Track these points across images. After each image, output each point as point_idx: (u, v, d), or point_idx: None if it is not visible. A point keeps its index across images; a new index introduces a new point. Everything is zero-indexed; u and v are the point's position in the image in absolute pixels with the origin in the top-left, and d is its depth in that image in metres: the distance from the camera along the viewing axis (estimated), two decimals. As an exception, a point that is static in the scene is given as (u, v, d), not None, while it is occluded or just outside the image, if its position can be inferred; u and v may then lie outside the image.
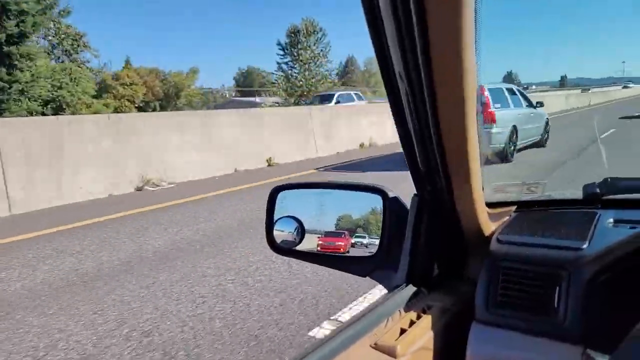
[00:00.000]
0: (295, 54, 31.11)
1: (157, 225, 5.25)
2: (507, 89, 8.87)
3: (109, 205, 6.42)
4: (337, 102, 18.13)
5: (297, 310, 2.94)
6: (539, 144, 9.59)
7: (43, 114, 19.17)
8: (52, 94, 21.85)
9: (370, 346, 0.61)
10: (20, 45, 18.85)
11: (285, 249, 0.91)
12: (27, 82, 19.39)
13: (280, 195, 0.93)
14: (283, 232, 0.91)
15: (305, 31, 31.24)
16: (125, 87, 31.48)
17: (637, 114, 14.81)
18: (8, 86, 18.67)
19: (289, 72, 31.56)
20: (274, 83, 31.86)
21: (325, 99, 19.32)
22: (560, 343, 0.66)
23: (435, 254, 0.78)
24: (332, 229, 0.88)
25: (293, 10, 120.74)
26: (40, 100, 20.68)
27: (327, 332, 2.20)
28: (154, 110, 31.51)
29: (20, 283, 3.64)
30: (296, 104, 26.31)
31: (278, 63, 32.30)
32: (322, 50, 31.90)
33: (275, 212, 0.92)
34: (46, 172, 6.56)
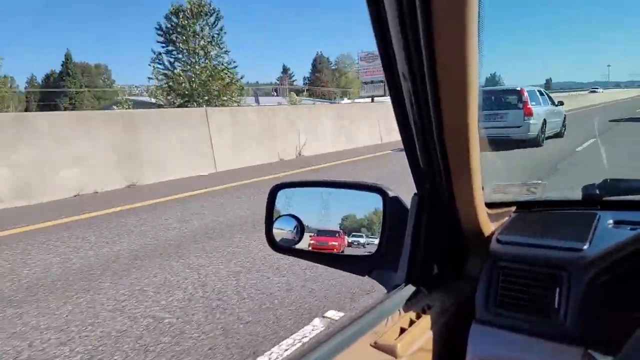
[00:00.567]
0: (179, 42, 21.40)
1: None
2: (538, 91, 11.26)
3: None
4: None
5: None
6: (559, 135, 11.67)
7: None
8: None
9: (370, 345, 0.61)
10: None
11: (285, 247, 0.91)
12: None
13: (280, 193, 0.93)
14: (282, 231, 0.91)
15: (190, 12, 21.08)
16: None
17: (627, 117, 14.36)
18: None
19: (170, 65, 21.60)
20: (150, 78, 21.20)
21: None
22: (560, 344, 0.66)
23: (435, 253, 0.78)
24: (336, 228, 0.87)
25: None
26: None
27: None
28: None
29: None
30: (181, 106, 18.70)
31: (155, 53, 21.51)
32: (214, 37, 21.83)
33: (275, 210, 0.92)
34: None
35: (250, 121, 10.25)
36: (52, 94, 56.94)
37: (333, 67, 77.83)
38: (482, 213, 0.78)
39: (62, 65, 62.15)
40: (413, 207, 0.75)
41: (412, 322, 0.66)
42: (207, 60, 21.39)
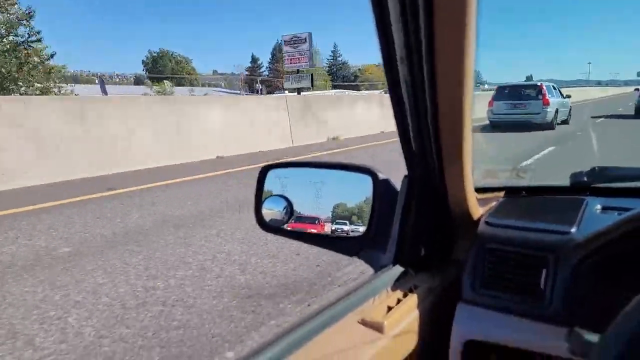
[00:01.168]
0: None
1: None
2: (552, 86, 13.92)
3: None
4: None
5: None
6: (566, 122, 14.27)
7: None
8: None
9: (358, 322, 0.61)
10: None
11: (274, 227, 0.91)
12: None
13: (271, 173, 0.92)
14: (272, 211, 0.91)
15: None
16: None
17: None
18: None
19: None
20: None
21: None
22: (545, 324, 0.67)
23: (424, 235, 0.79)
24: (328, 214, 0.86)
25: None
26: None
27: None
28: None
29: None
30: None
31: None
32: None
33: (265, 190, 0.92)
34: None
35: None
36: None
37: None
38: (472, 197, 0.78)
39: None
40: (403, 189, 0.75)
41: (399, 301, 0.67)
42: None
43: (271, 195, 0.92)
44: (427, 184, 0.73)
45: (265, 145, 10.29)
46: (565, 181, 0.99)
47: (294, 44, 20.94)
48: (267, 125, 10.77)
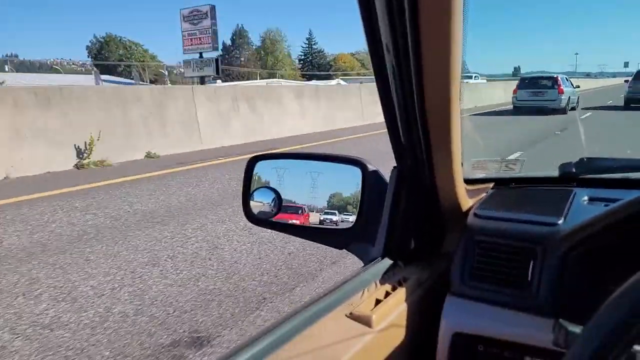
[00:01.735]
0: None
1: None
2: (565, 77, 16.56)
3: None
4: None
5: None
6: (574, 109, 16.33)
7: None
8: None
9: (346, 315, 0.61)
10: None
11: (262, 220, 0.90)
12: None
13: (259, 165, 0.91)
14: (260, 203, 0.89)
15: None
16: None
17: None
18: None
19: None
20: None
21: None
22: (533, 316, 0.67)
23: (413, 228, 0.78)
24: (324, 205, 0.84)
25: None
26: None
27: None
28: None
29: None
30: None
31: None
32: None
33: (253, 182, 0.91)
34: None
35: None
36: None
37: (256, 46, 69.43)
38: (461, 189, 0.78)
39: None
40: (392, 181, 0.74)
41: (387, 294, 0.67)
42: None
43: (259, 187, 0.90)
44: (416, 175, 0.72)
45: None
46: (553, 172, 0.99)
47: (196, 19, 17.22)
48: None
